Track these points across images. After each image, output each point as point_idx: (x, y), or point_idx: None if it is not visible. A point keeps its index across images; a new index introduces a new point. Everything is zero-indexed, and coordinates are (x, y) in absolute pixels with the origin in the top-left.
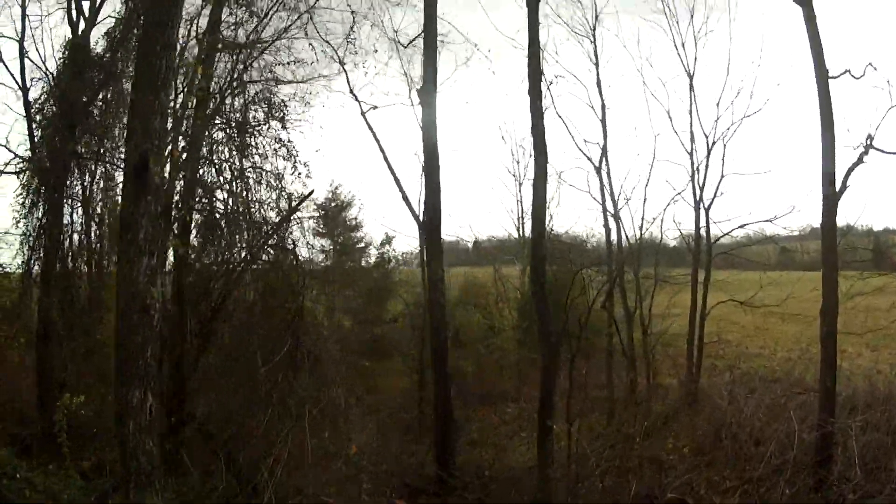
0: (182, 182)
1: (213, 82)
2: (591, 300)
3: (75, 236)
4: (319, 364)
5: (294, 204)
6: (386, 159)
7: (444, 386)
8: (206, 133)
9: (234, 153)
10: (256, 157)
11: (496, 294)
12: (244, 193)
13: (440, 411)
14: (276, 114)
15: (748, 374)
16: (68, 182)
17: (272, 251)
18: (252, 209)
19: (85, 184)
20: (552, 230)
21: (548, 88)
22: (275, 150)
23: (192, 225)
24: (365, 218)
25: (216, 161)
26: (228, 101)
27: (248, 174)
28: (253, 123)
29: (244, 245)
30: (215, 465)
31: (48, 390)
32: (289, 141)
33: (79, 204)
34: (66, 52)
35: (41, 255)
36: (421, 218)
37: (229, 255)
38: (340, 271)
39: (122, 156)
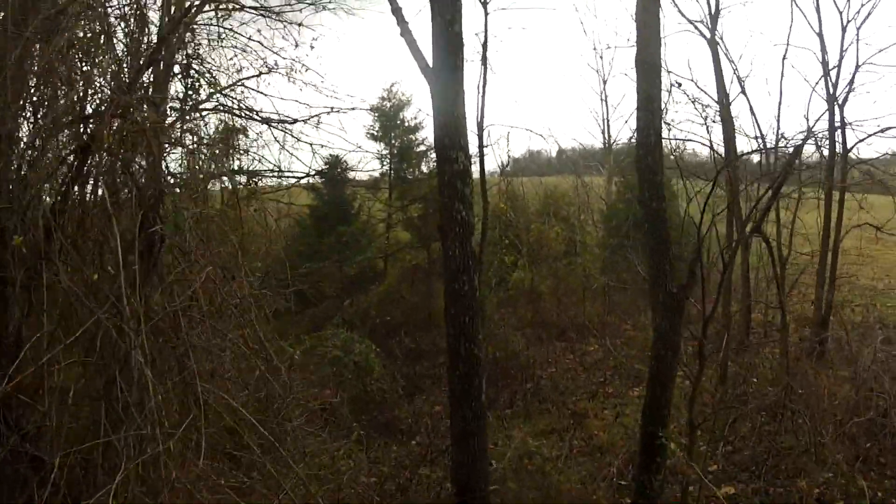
0: None
1: None
2: (744, 223)
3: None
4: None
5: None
6: None
7: (469, 371)
8: None
9: None
10: None
11: (578, 205)
12: None
13: (461, 418)
14: None
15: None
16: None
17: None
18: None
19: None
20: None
21: None
22: None
23: None
24: (426, 119)
25: None
26: None
27: None
28: None
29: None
30: None
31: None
32: None
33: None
34: None
35: None
36: (430, 64)
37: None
38: (398, 178)
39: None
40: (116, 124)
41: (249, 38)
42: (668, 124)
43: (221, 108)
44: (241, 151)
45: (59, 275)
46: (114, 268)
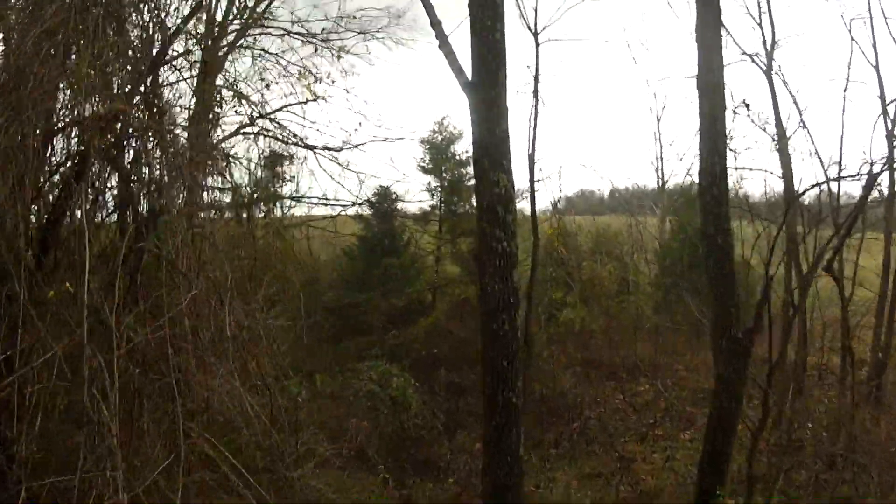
0: None
1: None
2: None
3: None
4: None
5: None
6: None
7: (506, 421)
8: None
9: None
10: None
11: (631, 243)
12: None
13: (496, 471)
14: None
15: None
16: None
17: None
18: None
19: None
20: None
21: None
22: None
23: None
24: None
25: None
26: None
27: None
28: None
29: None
30: None
31: None
32: None
33: None
34: None
35: None
36: (470, 77)
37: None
38: (448, 212)
39: None
40: (113, 129)
41: (276, 54)
42: (734, 151)
43: (265, 132)
44: (287, 179)
45: (23, 293)
46: (75, 286)
